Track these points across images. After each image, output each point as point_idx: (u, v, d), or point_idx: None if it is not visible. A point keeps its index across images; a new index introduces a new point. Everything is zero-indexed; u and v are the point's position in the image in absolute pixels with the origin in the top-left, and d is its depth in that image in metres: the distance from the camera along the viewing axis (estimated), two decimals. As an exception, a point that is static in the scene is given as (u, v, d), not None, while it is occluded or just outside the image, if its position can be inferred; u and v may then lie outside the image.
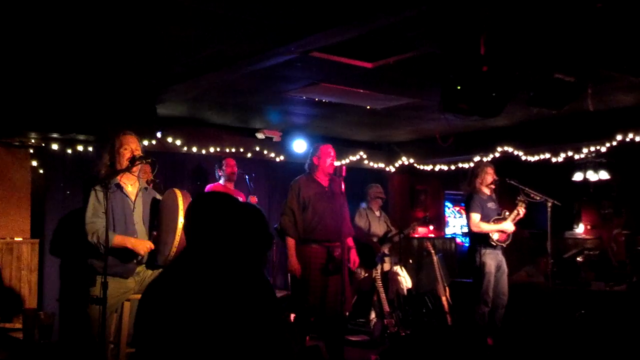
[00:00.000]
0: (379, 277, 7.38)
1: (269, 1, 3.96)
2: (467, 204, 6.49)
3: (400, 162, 9.63)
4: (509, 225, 6.33)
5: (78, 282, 5.86)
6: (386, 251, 7.52)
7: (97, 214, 4.18)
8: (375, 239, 7.49)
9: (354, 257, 5.71)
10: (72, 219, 6.57)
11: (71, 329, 6.41)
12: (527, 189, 6.25)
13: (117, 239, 4.19)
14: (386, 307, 7.20)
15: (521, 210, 6.38)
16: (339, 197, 5.46)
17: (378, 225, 7.60)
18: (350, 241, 5.73)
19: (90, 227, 4.17)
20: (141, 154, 4.39)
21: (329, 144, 5.77)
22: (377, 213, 7.77)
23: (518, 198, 6.37)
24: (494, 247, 6.31)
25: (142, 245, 4.28)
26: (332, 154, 5.65)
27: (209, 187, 6.82)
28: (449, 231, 11.32)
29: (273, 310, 2.24)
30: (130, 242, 4.24)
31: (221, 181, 6.92)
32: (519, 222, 6.49)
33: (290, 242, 5.50)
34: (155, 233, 4.45)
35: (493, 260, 6.30)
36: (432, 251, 7.79)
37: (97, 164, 4.45)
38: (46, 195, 6.78)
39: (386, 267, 7.50)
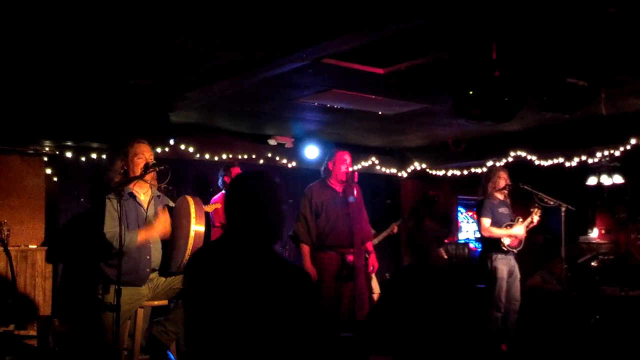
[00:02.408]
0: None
1: (281, 9, 3.97)
2: (478, 208, 6.47)
3: (412, 167, 9.61)
4: (519, 230, 6.28)
5: (92, 289, 5.87)
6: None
7: (116, 222, 4.21)
8: None
9: (372, 261, 5.70)
10: (86, 227, 6.61)
11: (85, 336, 6.44)
12: (540, 193, 6.22)
13: (141, 236, 4.25)
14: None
15: (535, 218, 6.35)
16: (353, 203, 5.46)
17: None
18: (370, 246, 5.73)
19: (111, 234, 4.19)
20: (154, 162, 4.42)
21: (345, 150, 5.76)
22: None
23: (533, 206, 6.34)
24: (506, 253, 6.28)
25: (162, 225, 4.38)
26: (348, 161, 5.63)
27: (214, 199, 6.75)
28: (462, 236, 11.28)
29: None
30: (152, 231, 4.34)
31: (224, 189, 6.84)
32: (532, 227, 6.46)
33: (305, 248, 5.52)
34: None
35: (505, 265, 6.26)
36: (445, 257, 7.75)
37: (109, 172, 4.47)
38: (60, 203, 6.82)
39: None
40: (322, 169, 5.76)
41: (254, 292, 2.21)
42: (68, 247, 6.72)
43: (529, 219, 6.35)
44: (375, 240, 7.68)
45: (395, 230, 7.76)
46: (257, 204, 2.37)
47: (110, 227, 4.20)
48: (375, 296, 7.26)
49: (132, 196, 4.40)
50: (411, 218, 3.10)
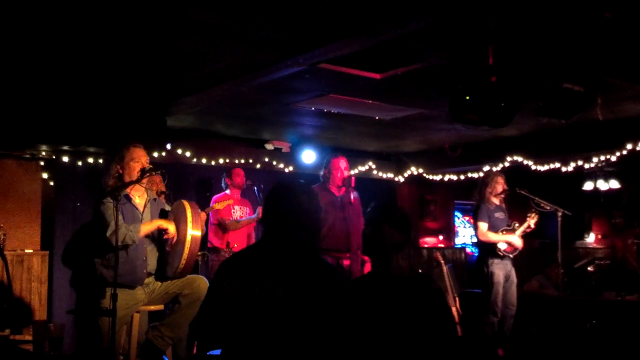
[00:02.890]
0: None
1: (278, 14, 3.98)
2: (475, 213, 6.48)
3: (409, 172, 9.61)
4: (516, 240, 6.29)
5: (88, 294, 5.86)
6: None
7: (123, 225, 4.23)
8: None
9: (367, 270, 5.70)
10: (83, 231, 6.60)
11: (81, 340, 6.42)
12: (537, 198, 6.23)
13: (144, 227, 4.27)
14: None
15: (532, 223, 6.35)
16: (349, 208, 5.46)
17: None
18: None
19: (118, 233, 4.21)
20: (150, 166, 4.42)
21: (341, 156, 5.77)
22: None
23: (529, 212, 6.34)
24: (502, 258, 6.28)
25: (162, 221, 4.43)
26: (343, 166, 5.64)
27: (215, 198, 6.81)
28: (458, 241, 11.28)
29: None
30: (153, 226, 4.37)
31: (227, 191, 6.92)
32: (529, 232, 6.46)
33: None
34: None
35: (501, 270, 6.27)
36: (442, 261, 7.76)
37: (104, 176, 4.46)
38: (56, 207, 6.81)
39: None
40: (321, 174, 5.78)
41: (304, 293, 2.32)
42: (70, 252, 6.72)
43: (525, 224, 6.36)
44: None
45: None
46: (307, 212, 2.56)
47: (112, 228, 4.23)
48: None
49: (128, 199, 4.40)
50: (368, 225, 2.97)
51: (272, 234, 2.54)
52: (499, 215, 6.43)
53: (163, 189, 5.76)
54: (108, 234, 4.16)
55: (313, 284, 2.34)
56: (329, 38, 4.34)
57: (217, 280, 2.56)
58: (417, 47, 4.61)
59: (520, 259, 6.51)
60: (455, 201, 11.05)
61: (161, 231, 4.44)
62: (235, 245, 6.23)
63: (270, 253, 2.48)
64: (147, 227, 4.33)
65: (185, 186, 7.67)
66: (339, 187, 5.61)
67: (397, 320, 2.71)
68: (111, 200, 4.13)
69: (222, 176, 7.07)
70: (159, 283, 4.46)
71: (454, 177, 9.62)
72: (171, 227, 4.35)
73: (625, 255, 9.40)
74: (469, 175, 9.29)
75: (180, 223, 4.35)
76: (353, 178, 5.55)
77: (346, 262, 5.41)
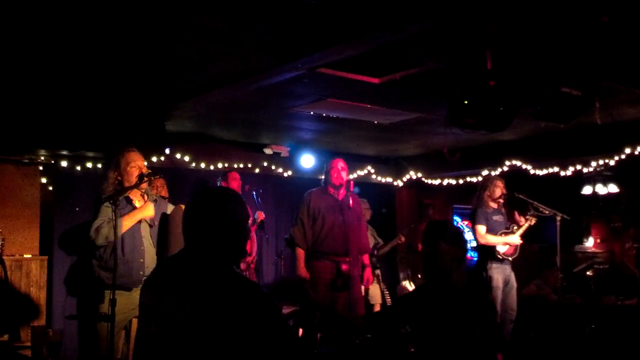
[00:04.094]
0: (387, 292, 7.37)
1: (276, 19, 3.99)
2: (472, 217, 6.49)
3: (407, 176, 9.62)
4: (515, 238, 6.30)
5: (86, 299, 5.85)
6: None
7: (103, 219, 4.24)
8: None
9: (367, 275, 5.71)
10: (81, 233, 6.60)
11: (83, 345, 6.41)
12: (535, 202, 6.24)
13: (125, 220, 4.26)
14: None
15: (532, 221, 6.36)
16: (348, 212, 5.45)
17: None
18: (366, 259, 5.72)
19: (94, 232, 4.23)
20: (149, 171, 4.43)
21: (339, 158, 5.79)
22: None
23: (528, 214, 6.35)
24: (501, 261, 6.28)
25: (147, 207, 4.42)
26: (339, 167, 5.65)
27: None
28: (457, 245, 11.26)
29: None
30: (137, 212, 4.38)
31: None
32: (528, 235, 6.46)
33: (300, 252, 5.55)
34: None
35: (500, 274, 6.27)
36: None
37: (103, 184, 4.47)
38: (55, 212, 6.80)
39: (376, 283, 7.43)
40: (322, 177, 5.81)
41: (210, 311, 2.14)
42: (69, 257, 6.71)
43: (524, 226, 6.36)
44: (383, 250, 7.70)
45: (403, 239, 7.78)
46: (230, 223, 2.32)
47: (97, 223, 4.24)
48: (377, 307, 7.27)
49: (129, 201, 4.41)
50: (425, 244, 3.15)
51: (189, 246, 2.35)
52: (498, 218, 6.43)
53: (164, 194, 5.77)
54: (90, 232, 4.20)
55: (223, 301, 2.14)
56: (327, 42, 4.35)
57: (141, 293, 2.43)
58: (416, 52, 4.62)
59: (519, 263, 6.51)
60: (454, 205, 11.04)
61: (161, 235, 4.46)
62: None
63: (185, 265, 2.31)
64: (129, 221, 4.32)
65: (184, 191, 7.66)
66: (337, 188, 5.60)
67: (458, 326, 2.96)
68: (109, 205, 4.14)
69: (218, 180, 7.04)
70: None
71: (453, 182, 9.62)
72: (149, 210, 4.37)
73: (623, 260, 9.40)
74: (468, 179, 9.29)
75: (178, 227, 4.35)
76: (352, 182, 5.55)
77: (344, 267, 5.40)
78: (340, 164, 5.68)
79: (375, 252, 7.59)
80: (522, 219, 6.40)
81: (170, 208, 4.71)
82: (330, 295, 5.40)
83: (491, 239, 6.28)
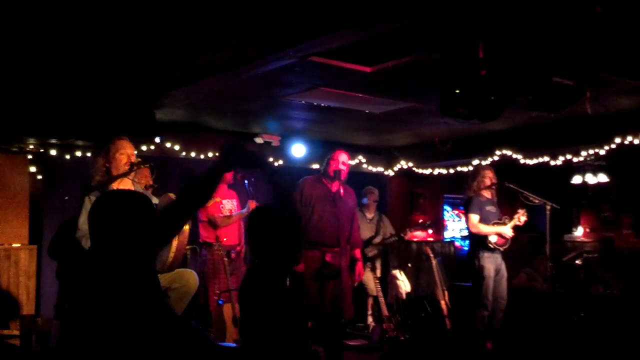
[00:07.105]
0: (378, 281, 7.38)
1: (268, 7, 3.96)
2: (466, 205, 6.49)
3: (399, 166, 9.62)
4: (507, 230, 6.32)
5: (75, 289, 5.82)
6: (369, 255, 7.52)
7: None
8: None
9: (359, 269, 5.65)
10: (71, 225, 6.56)
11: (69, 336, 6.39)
12: (525, 192, 6.24)
13: None
14: (385, 312, 7.19)
15: (522, 218, 6.39)
16: (339, 202, 5.42)
17: (364, 230, 7.50)
18: (357, 253, 5.67)
19: (82, 232, 4.14)
20: (139, 159, 4.38)
21: (345, 151, 5.67)
22: (370, 216, 7.90)
23: (519, 207, 6.38)
24: (493, 251, 6.30)
25: None
26: (341, 160, 5.52)
27: None
28: (448, 235, 11.31)
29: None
30: None
31: None
32: (519, 226, 6.50)
33: None
34: None
35: (492, 263, 6.29)
36: (431, 255, 7.79)
37: (91, 171, 4.41)
38: (45, 201, 6.77)
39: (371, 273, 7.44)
40: (322, 166, 5.72)
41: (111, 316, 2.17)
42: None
43: (515, 220, 6.38)
44: (377, 240, 7.73)
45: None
46: (128, 227, 2.33)
47: (82, 225, 4.14)
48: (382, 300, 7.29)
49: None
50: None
51: (96, 248, 2.35)
52: (491, 208, 6.45)
53: (151, 183, 5.72)
54: (77, 235, 4.11)
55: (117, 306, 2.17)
56: (319, 31, 4.32)
57: None
58: (408, 41, 4.60)
59: (509, 253, 6.53)
60: (445, 195, 11.08)
61: None
62: (225, 239, 6.20)
63: (93, 269, 2.32)
64: None
65: (174, 180, 7.63)
66: (331, 180, 5.53)
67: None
68: (95, 196, 4.08)
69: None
70: (148, 277, 4.44)
71: (444, 171, 9.64)
72: None
73: (622, 245, 9.52)
74: (459, 169, 9.31)
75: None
76: (343, 171, 5.48)
77: (328, 257, 5.34)
78: (343, 156, 5.54)
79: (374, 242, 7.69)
80: (517, 215, 6.43)
81: (154, 198, 4.66)
82: (318, 284, 5.36)
83: (483, 229, 6.29)
